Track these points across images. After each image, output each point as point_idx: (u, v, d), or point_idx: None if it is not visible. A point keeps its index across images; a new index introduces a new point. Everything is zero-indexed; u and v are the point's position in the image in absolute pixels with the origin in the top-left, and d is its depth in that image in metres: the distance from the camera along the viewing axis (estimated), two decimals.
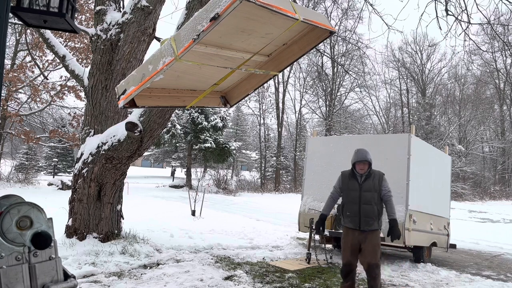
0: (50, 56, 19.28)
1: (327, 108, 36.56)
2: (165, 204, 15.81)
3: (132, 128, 6.10)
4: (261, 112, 40.72)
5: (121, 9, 7.34)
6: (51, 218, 1.02)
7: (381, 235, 4.81)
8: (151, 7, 6.92)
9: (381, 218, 4.59)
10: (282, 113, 36.56)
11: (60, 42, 12.04)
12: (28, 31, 17.51)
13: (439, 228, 8.26)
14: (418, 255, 7.66)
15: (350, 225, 4.60)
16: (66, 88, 20.49)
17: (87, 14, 18.57)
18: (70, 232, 6.53)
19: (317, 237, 7.92)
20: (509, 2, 7.19)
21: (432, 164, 8.22)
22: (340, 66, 31.43)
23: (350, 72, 29.94)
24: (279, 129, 36.62)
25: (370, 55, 49.88)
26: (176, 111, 21.72)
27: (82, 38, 18.35)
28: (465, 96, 41.67)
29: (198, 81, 2.16)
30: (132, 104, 1.93)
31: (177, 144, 29.73)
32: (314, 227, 4.90)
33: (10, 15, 1.35)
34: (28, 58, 21.82)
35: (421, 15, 7.86)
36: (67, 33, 15.68)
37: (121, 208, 6.97)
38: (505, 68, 39.28)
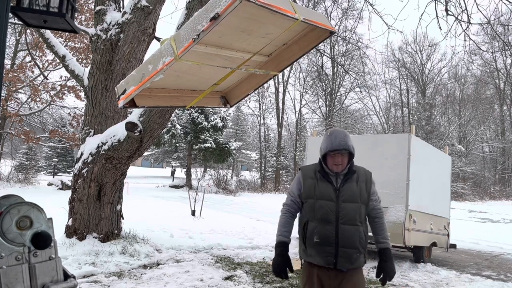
0: (50, 56, 19.30)
1: (327, 108, 36.57)
2: (165, 204, 15.81)
3: (132, 128, 6.10)
4: (261, 112, 40.78)
5: (121, 9, 7.34)
6: (51, 218, 1.02)
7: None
8: (151, 7, 6.91)
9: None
10: (282, 113, 36.58)
11: (60, 42, 12.05)
12: (28, 31, 17.52)
13: (439, 228, 8.27)
14: (418, 255, 7.66)
15: (317, 261, 2.67)
16: (66, 88, 20.50)
17: (87, 14, 18.58)
18: (70, 232, 6.53)
19: None
20: (509, 2, 7.19)
21: (432, 164, 8.23)
22: (340, 66, 31.44)
23: (350, 72, 29.96)
24: (279, 129, 36.64)
25: (370, 55, 49.97)
26: (176, 111, 21.73)
27: (82, 38, 18.36)
28: (465, 96, 41.68)
29: (198, 81, 2.16)
30: (132, 104, 1.92)
31: (177, 144, 29.74)
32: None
33: (10, 15, 1.35)
34: (28, 58, 21.84)
35: (421, 15, 7.86)
36: (67, 33, 15.68)
37: (121, 208, 6.97)
38: (505, 68, 39.29)
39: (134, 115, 6.39)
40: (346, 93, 38.23)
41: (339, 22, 26.68)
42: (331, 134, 2.70)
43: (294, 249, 8.43)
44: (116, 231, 6.78)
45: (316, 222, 2.67)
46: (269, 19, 1.66)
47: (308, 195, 2.73)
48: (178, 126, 25.65)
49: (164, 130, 20.43)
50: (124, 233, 6.97)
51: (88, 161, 6.58)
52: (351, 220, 2.64)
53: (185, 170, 31.80)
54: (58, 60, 12.45)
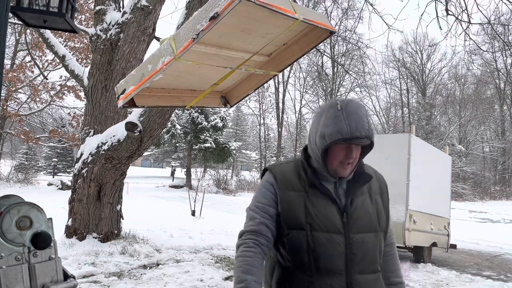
0: (50, 56, 19.30)
1: None
2: (165, 204, 15.81)
3: (132, 128, 6.10)
4: (261, 112, 40.83)
5: (121, 9, 7.34)
6: (51, 218, 1.02)
7: None
8: (151, 7, 6.91)
9: None
10: (282, 113, 36.61)
11: (60, 42, 12.05)
12: (28, 31, 17.51)
13: (439, 228, 8.27)
14: (418, 255, 7.67)
15: None
16: (65, 88, 20.51)
17: (87, 14, 18.58)
18: (70, 232, 6.53)
19: None
20: (509, 2, 7.19)
21: (432, 164, 8.23)
22: (340, 66, 31.46)
23: (350, 72, 29.97)
24: (279, 129, 36.67)
25: (370, 55, 49.99)
26: (176, 111, 21.74)
27: (82, 38, 18.36)
28: (465, 96, 41.72)
29: (198, 81, 2.16)
30: (131, 104, 1.92)
31: (177, 144, 29.74)
32: None
33: (10, 15, 1.35)
34: (28, 58, 21.85)
35: (421, 15, 7.85)
36: (67, 33, 15.69)
37: (120, 208, 6.97)
38: (506, 68, 39.32)
39: (134, 115, 6.39)
40: (346, 93, 38.28)
41: (339, 22, 26.69)
42: (343, 108, 1.44)
43: None
44: (116, 231, 6.78)
45: (307, 274, 1.46)
46: (269, 19, 1.66)
47: (291, 223, 1.48)
48: (178, 126, 25.65)
49: (164, 130, 20.43)
50: (124, 233, 6.98)
51: (88, 161, 6.58)
52: (370, 264, 1.52)
53: (185, 170, 31.80)
54: (58, 60, 12.45)
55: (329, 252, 1.46)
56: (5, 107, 20.48)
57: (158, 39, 7.33)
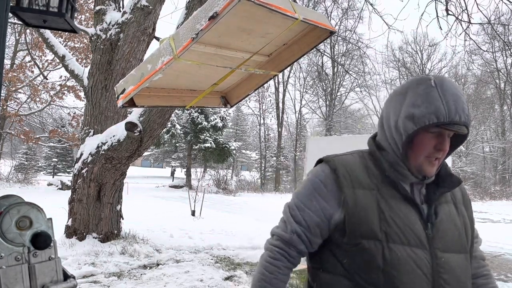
0: (49, 56, 19.32)
1: (327, 108, 36.60)
2: (165, 204, 15.81)
3: (131, 128, 6.10)
4: (261, 112, 40.82)
5: (121, 9, 7.34)
6: (50, 218, 1.02)
7: None
8: (150, 7, 6.91)
9: None
10: (282, 113, 36.60)
11: (60, 42, 12.05)
12: (28, 31, 17.53)
13: None
14: None
15: None
16: (65, 88, 20.53)
17: (87, 14, 18.60)
18: (70, 232, 6.53)
19: None
20: (509, 2, 7.19)
21: None
22: (340, 66, 31.46)
23: (350, 72, 29.95)
24: (279, 129, 36.66)
25: (370, 55, 50.00)
26: (176, 111, 21.74)
27: (81, 38, 18.38)
28: (465, 96, 41.71)
29: (198, 81, 2.16)
30: (131, 103, 1.92)
31: (177, 144, 29.75)
32: None
33: (10, 15, 1.35)
34: (28, 58, 21.86)
35: (421, 15, 7.85)
36: (66, 33, 15.69)
37: (120, 208, 6.97)
38: (506, 68, 39.32)
39: (134, 115, 6.39)
40: (346, 93, 38.31)
41: (339, 22, 26.70)
42: (438, 85, 1.16)
43: None
44: (115, 231, 6.78)
45: None
46: (268, 19, 1.66)
47: (359, 230, 1.16)
48: (178, 126, 25.66)
49: (164, 130, 20.44)
50: (123, 233, 6.98)
51: (88, 161, 6.58)
52: None
53: (185, 170, 31.81)
54: (57, 60, 12.46)
55: (412, 271, 1.12)
56: (5, 107, 20.50)
57: (158, 39, 7.33)
